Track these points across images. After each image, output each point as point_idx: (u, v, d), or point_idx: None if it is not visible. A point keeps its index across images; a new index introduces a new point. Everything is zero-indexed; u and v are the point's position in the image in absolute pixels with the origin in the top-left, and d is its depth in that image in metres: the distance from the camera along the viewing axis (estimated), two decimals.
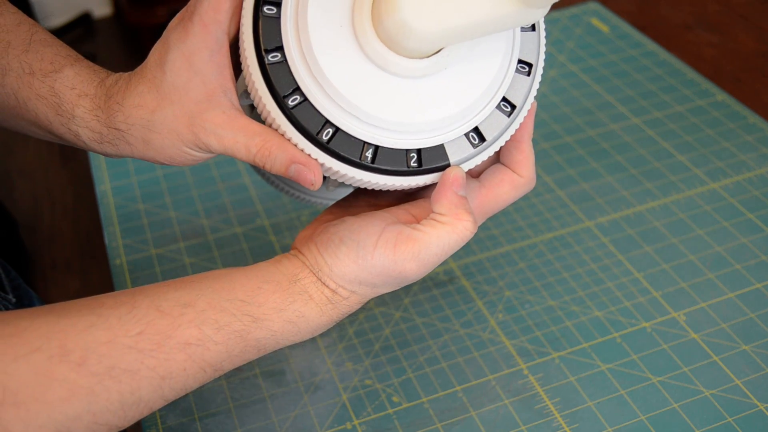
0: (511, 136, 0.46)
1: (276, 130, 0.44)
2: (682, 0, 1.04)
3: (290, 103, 0.42)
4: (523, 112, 0.46)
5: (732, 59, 0.93)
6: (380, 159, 0.43)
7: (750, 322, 0.62)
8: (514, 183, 0.48)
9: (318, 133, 0.42)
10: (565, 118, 0.85)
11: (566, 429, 0.56)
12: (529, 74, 0.45)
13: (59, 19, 2.78)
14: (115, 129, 0.47)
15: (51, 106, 0.49)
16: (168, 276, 0.71)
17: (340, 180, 0.44)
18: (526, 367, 0.60)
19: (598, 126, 0.84)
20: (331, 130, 0.42)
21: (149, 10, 2.54)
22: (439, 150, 0.44)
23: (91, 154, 0.86)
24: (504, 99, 0.45)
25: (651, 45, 0.96)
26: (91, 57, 2.66)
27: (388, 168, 0.43)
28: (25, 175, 2.15)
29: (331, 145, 0.42)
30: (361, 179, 0.43)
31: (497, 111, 0.45)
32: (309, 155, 0.43)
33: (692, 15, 1.02)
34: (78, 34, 2.78)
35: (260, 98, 0.43)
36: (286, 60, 0.42)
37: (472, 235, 0.46)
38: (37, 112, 0.49)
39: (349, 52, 0.42)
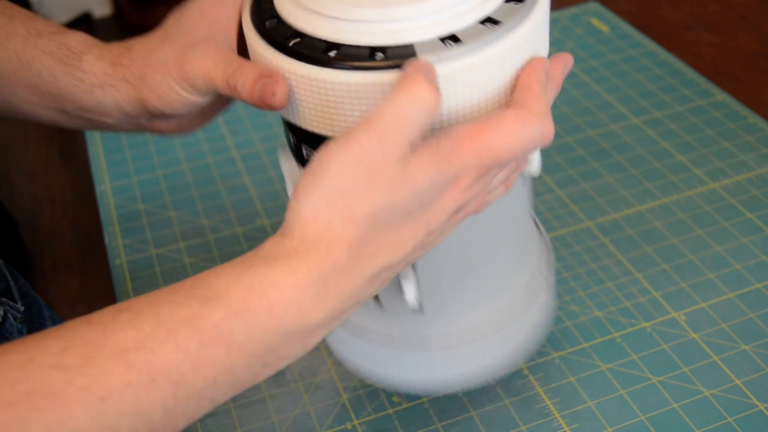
0: (518, 79, 0.41)
1: (251, 52, 0.44)
2: (682, 0, 1.04)
3: (267, 25, 0.42)
4: (514, 34, 0.40)
5: (732, 59, 0.93)
6: (343, 57, 0.40)
7: (750, 322, 0.62)
8: (519, 115, 0.38)
9: (285, 41, 0.41)
10: (565, 118, 0.85)
11: (566, 429, 0.56)
12: (520, 1, 0.42)
13: (59, 19, 2.78)
14: (120, 65, 0.49)
15: (57, 59, 0.50)
16: (168, 276, 0.71)
17: (308, 89, 0.41)
18: (526, 367, 0.60)
19: (598, 126, 0.84)
20: (297, 37, 0.41)
21: (149, 10, 2.54)
22: (408, 49, 0.39)
23: (92, 154, 0.86)
24: (489, 18, 0.40)
25: (651, 45, 0.96)
26: None
27: (352, 64, 0.39)
28: (25, 175, 2.15)
29: (295, 48, 0.41)
30: (324, 78, 0.40)
31: (479, 25, 0.40)
32: (276, 71, 0.42)
33: (692, 15, 1.02)
34: None
35: (245, 26, 0.44)
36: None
37: (433, 102, 0.37)
38: (41, 69, 0.50)
39: None
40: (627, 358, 0.61)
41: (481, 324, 0.51)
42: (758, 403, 0.57)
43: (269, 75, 0.41)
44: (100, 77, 0.49)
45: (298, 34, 0.41)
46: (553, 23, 1.01)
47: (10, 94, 0.53)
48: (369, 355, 0.53)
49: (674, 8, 1.03)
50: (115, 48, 0.50)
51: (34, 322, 0.62)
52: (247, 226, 0.76)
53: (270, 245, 0.37)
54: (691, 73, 0.90)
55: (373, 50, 0.39)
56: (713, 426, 0.55)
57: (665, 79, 0.90)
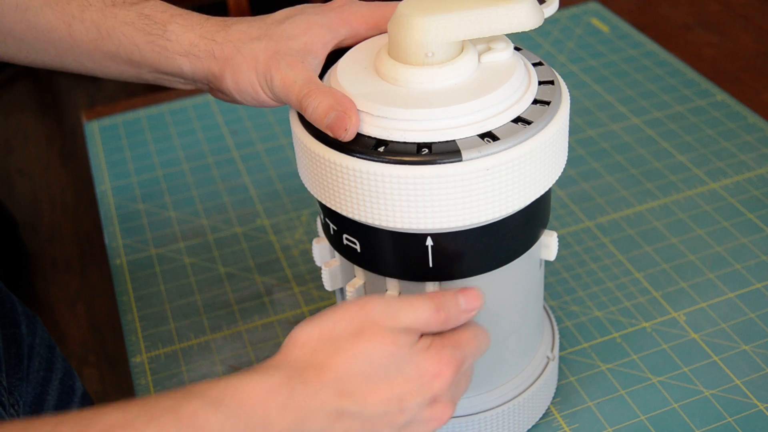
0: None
1: (301, 148, 0.46)
2: (682, 0, 1.04)
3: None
4: (544, 132, 0.44)
5: (732, 59, 0.93)
6: (392, 152, 0.43)
7: (750, 322, 0.62)
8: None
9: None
10: None
11: (566, 429, 0.56)
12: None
13: None
14: (212, 40, 0.50)
15: (139, 29, 0.51)
16: (168, 276, 0.71)
17: (357, 181, 0.44)
18: None
19: (598, 126, 0.84)
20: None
21: None
22: (451, 144, 0.43)
23: (92, 154, 0.86)
24: (520, 118, 0.44)
25: (651, 45, 0.96)
26: None
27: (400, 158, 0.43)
28: (25, 175, 2.15)
29: (346, 144, 0.43)
30: (374, 171, 0.43)
31: (512, 124, 0.44)
32: (350, 105, 0.44)
33: (692, 15, 1.02)
34: None
35: (294, 125, 0.47)
36: None
37: (436, 318, 0.43)
38: (122, 39, 0.52)
39: (367, 76, 0.46)
40: (627, 358, 0.61)
41: (498, 395, 0.54)
42: (758, 403, 0.57)
43: (343, 108, 0.44)
44: (185, 47, 0.51)
45: (383, 142, 0.43)
46: (553, 23, 1.01)
47: (87, 61, 0.54)
48: None
49: (674, 8, 1.03)
50: (208, 22, 0.51)
51: (7, 318, 0.62)
52: (247, 226, 0.76)
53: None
54: (691, 73, 0.90)
55: (419, 146, 0.42)
56: (713, 426, 0.55)
57: (665, 79, 0.90)
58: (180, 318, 0.67)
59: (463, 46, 0.46)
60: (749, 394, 0.57)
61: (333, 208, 0.46)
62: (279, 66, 0.48)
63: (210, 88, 0.53)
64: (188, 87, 0.54)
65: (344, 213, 0.45)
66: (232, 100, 0.53)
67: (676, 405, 0.57)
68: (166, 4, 0.53)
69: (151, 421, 0.37)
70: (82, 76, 0.73)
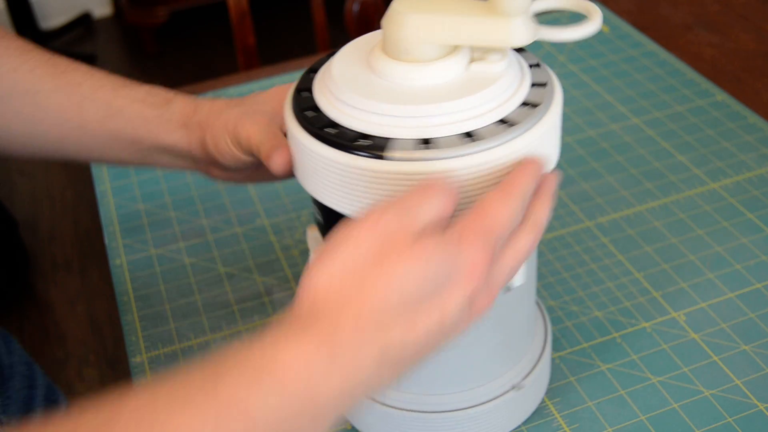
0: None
1: (289, 135, 0.48)
2: (682, 0, 1.04)
3: (307, 114, 0.46)
4: (528, 135, 0.44)
5: (732, 59, 0.93)
6: (371, 147, 0.43)
7: (750, 322, 0.62)
8: (501, 193, 0.41)
9: (321, 129, 0.44)
10: (565, 118, 0.85)
11: (566, 429, 0.56)
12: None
13: (59, 19, 2.78)
14: (201, 111, 0.57)
15: (148, 104, 0.57)
16: (168, 276, 0.71)
17: (337, 172, 0.44)
18: None
19: (598, 126, 0.84)
20: (333, 127, 0.44)
21: (149, 10, 2.54)
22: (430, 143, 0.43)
23: None
24: (505, 120, 0.44)
25: (651, 45, 0.96)
26: (91, 57, 2.66)
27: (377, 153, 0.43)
28: (25, 175, 2.15)
29: (327, 135, 0.44)
30: (349, 164, 0.43)
31: (496, 125, 0.44)
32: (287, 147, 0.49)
33: (692, 15, 1.02)
34: (78, 34, 2.78)
35: (286, 113, 0.48)
36: (312, 95, 0.47)
37: (451, 197, 0.40)
38: (131, 114, 0.57)
39: (362, 73, 0.46)
40: (627, 358, 0.61)
41: (493, 388, 0.54)
42: (758, 403, 0.57)
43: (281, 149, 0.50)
44: (184, 119, 0.57)
45: (333, 124, 0.44)
46: (553, 23, 1.01)
47: (90, 141, 0.59)
48: (381, 416, 0.54)
49: (674, 8, 1.03)
50: (201, 99, 0.58)
51: None
52: (247, 226, 0.76)
53: (281, 318, 0.38)
54: (691, 73, 0.90)
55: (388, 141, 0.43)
56: (713, 426, 0.55)
57: (665, 79, 0.90)
58: (180, 318, 0.67)
59: (454, 50, 0.45)
60: (749, 394, 0.57)
61: (318, 198, 0.46)
62: (245, 124, 0.53)
63: (204, 165, 0.58)
64: (177, 166, 0.60)
65: (327, 204, 0.46)
66: (221, 174, 0.59)
67: (676, 405, 0.57)
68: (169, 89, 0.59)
69: (186, 404, 0.34)
70: None
